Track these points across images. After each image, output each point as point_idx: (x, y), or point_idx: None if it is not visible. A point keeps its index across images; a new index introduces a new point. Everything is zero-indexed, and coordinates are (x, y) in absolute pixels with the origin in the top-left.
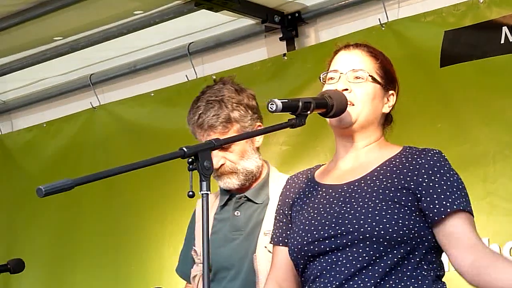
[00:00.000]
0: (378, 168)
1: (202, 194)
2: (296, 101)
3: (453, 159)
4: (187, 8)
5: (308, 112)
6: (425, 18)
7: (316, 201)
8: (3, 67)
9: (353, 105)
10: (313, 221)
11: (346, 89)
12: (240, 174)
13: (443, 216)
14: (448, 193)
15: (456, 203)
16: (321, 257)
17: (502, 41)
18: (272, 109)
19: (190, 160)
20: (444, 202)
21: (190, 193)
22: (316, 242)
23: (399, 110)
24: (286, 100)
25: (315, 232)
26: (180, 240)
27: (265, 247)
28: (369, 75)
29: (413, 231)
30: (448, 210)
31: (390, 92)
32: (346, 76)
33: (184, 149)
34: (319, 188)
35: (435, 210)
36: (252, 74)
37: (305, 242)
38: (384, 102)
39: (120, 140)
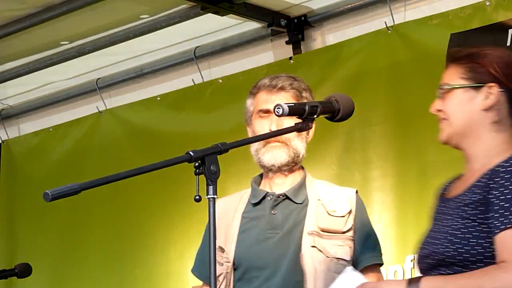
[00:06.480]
0: (476, 182)
1: (209, 198)
2: (302, 105)
3: (461, 162)
4: (193, 12)
5: (315, 116)
6: (431, 21)
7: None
8: (10, 71)
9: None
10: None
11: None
12: (291, 150)
13: (496, 234)
14: (502, 210)
15: (506, 221)
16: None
17: (508, 44)
18: (278, 113)
19: (196, 164)
20: (495, 222)
21: (197, 197)
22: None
23: (406, 113)
24: (293, 104)
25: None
26: (186, 244)
27: (314, 246)
28: (447, 87)
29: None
30: (496, 231)
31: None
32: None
33: (191, 153)
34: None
35: (491, 226)
36: (259, 78)
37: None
38: (478, 101)
39: (127, 145)
